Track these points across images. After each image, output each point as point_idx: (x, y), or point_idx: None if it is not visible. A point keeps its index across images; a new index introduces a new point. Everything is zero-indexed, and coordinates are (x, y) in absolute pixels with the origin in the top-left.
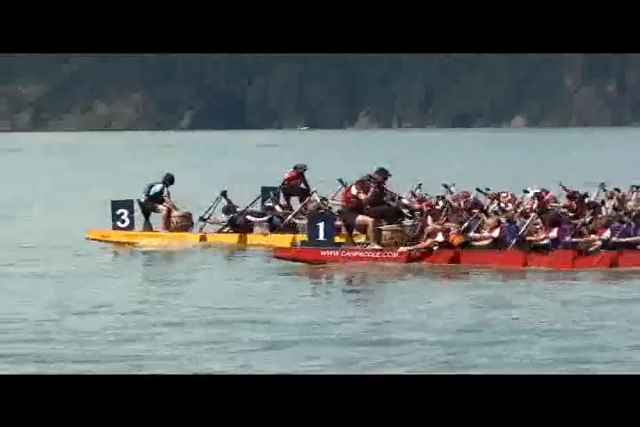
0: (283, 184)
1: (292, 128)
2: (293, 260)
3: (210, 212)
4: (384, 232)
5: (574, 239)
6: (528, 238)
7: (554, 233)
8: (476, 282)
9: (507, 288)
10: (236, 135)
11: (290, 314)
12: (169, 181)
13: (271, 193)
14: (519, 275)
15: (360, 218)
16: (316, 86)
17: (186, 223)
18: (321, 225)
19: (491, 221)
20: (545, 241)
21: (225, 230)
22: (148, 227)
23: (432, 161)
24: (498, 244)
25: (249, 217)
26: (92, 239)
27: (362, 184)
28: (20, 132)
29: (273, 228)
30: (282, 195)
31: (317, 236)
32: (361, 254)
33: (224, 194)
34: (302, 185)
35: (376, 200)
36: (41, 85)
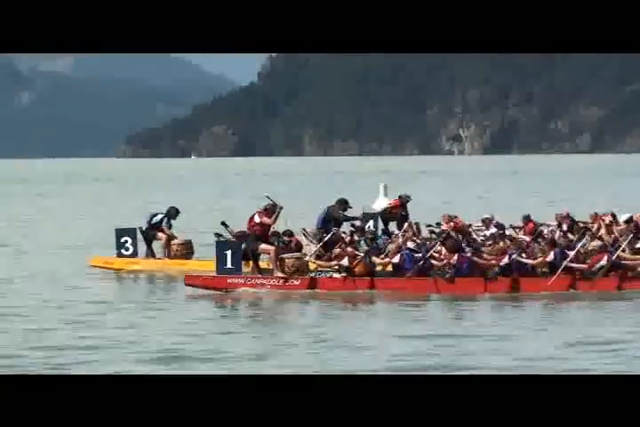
0: (384, 211)
1: None
2: (202, 287)
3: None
4: (287, 260)
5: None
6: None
7: (454, 259)
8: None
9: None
10: None
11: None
12: (173, 214)
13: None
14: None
15: (262, 246)
16: None
17: (186, 251)
18: (228, 253)
19: (392, 246)
20: (447, 267)
21: None
22: (150, 254)
23: None
24: (398, 270)
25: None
26: (96, 266)
27: (265, 212)
28: (581, 154)
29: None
30: (380, 220)
31: (225, 264)
32: (265, 282)
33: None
34: (403, 212)
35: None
36: (601, 107)
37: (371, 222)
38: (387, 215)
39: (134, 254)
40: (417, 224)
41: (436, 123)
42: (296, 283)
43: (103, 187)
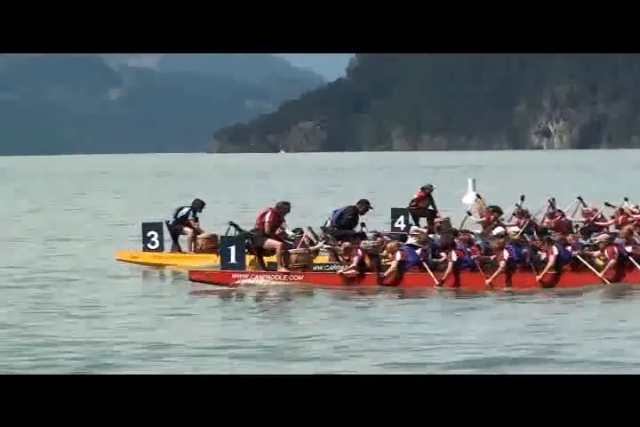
0: (411, 205)
1: None
2: (207, 282)
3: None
4: (292, 255)
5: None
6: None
7: (453, 255)
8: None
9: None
10: None
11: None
12: (198, 206)
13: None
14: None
15: (269, 242)
16: None
17: (211, 245)
18: (232, 248)
19: (391, 245)
20: (447, 264)
21: None
22: (176, 249)
23: None
24: (404, 267)
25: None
26: (122, 260)
27: (278, 212)
28: None
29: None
30: (410, 215)
31: (229, 259)
32: (269, 277)
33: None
34: (430, 206)
35: (273, 226)
36: None
37: (401, 218)
38: (414, 210)
39: (160, 249)
40: (447, 220)
41: (524, 118)
42: (299, 278)
43: (188, 181)
